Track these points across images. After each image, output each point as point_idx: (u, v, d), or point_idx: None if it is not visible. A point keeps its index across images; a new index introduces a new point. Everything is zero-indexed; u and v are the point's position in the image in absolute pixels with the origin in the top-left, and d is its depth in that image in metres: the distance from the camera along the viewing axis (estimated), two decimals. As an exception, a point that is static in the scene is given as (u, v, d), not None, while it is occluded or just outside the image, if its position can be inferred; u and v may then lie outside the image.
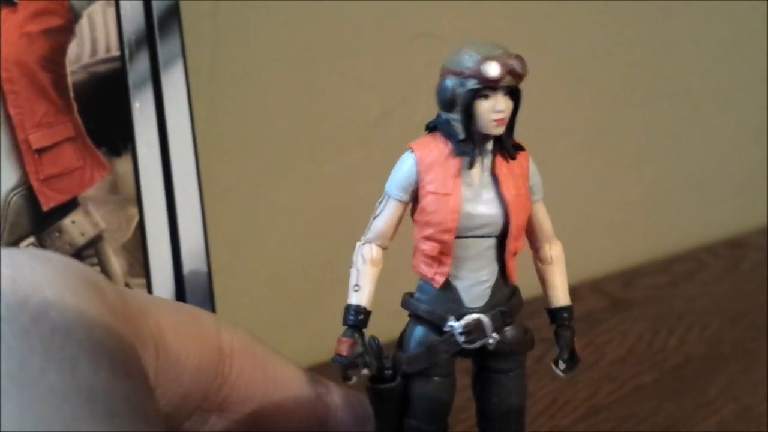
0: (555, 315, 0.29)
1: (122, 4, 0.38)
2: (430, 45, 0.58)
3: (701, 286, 0.68)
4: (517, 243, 0.27)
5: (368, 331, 0.28)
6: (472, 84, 0.26)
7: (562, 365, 0.28)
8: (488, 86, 0.26)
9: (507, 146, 0.27)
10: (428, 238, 0.27)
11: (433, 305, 0.27)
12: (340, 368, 0.27)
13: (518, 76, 0.26)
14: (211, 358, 0.24)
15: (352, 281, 0.28)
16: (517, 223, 0.27)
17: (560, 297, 0.29)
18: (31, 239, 0.36)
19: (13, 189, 0.35)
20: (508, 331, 0.28)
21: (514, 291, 0.28)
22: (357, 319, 0.28)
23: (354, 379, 0.27)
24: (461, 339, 0.27)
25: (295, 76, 0.54)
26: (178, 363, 0.23)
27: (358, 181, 0.56)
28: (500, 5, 0.61)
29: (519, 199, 0.27)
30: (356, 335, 0.27)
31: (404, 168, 0.27)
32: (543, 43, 0.65)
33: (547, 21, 0.65)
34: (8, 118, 0.35)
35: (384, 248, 0.28)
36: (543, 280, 0.29)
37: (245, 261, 0.53)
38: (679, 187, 0.77)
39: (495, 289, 0.27)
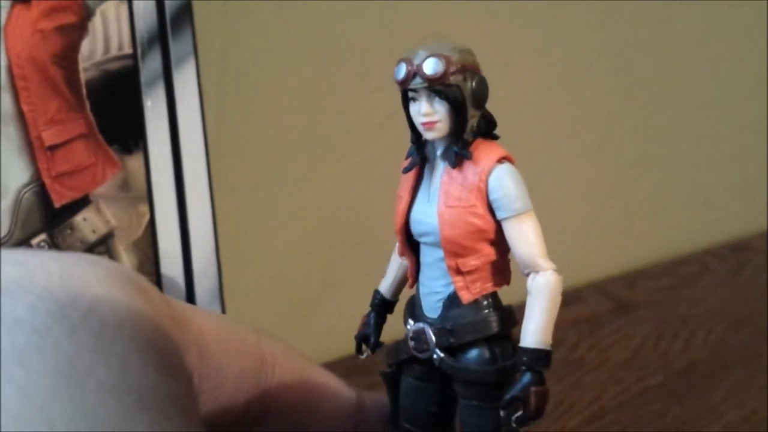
0: (518, 354, 0.25)
1: (135, 2, 0.38)
2: (438, 46, 0.58)
3: (705, 289, 0.68)
4: (460, 260, 0.25)
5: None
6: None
7: (501, 412, 0.25)
8: (405, 89, 0.25)
9: (448, 153, 0.25)
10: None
11: (410, 306, 0.28)
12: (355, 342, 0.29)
13: (427, 79, 0.24)
14: (253, 366, 0.24)
15: (386, 269, 0.29)
16: (446, 237, 0.25)
17: (526, 335, 0.24)
18: (43, 236, 0.36)
19: (25, 186, 0.35)
20: (461, 353, 0.26)
21: (478, 313, 0.25)
22: (373, 302, 0.29)
23: (363, 355, 0.29)
24: (411, 344, 0.27)
25: (303, 76, 0.54)
26: (220, 370, 0.23)
27: (364, 181, 0.56)
28: (508, 7, 0.61)
29: (453, 211, 0.25)
30: (370, 315, 0.29)
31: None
32: (548, 46, 0.65)
33: (551, 24, 0.65)
34: (21, 114, 0.35)
35: None
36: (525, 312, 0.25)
37: (252, 259, 0.53)
38: (683, 190, 0.77)
39: (447, 304, 0.26)
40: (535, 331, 0.24)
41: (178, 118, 0.39)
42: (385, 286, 0.29)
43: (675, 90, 0.75)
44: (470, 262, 0.25)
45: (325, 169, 0.56)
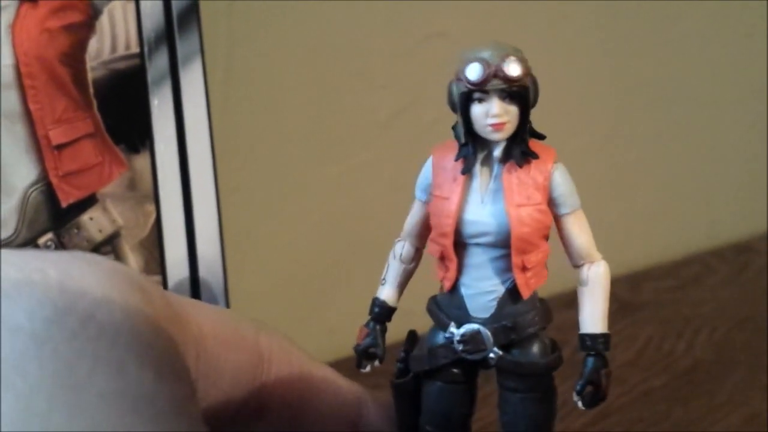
0: (579, 341, 0.26)
1: (142, 2, 0.38)
2: (442, 45, 0.58)
3: (709, 290, 0.68)
4: (525, 257, 0.26)
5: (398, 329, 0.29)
6: (462, 87, 0.25)
7: (575, 397, 0.26)
8: (475, 90, 0.25)
9: (514, 153, 0.26)
10: (433, 241, 0.27)
11: (443, 309, 0.27)
12: (356, 355, 0.28)
13: (509, 80, 0.25)
14: (250, 362, 0.24)
15: (383, 275, 0.28)
16: (518, 235, 0.25)
17: (586, 322, 0.26)
18: (50, 235, 0.36)
19: (32, 185, 0.36)
20: (518, 349, 0.26)
21: (533, 307, 0.26)
22: (373, 311, 0.28)
23: (367, 368, 0.28)
24: (459, 347, 0.26)
25: (308, 75, 0.54)
26: (217, 367, 0.23)
27: (368, 180, 0.56)
28: (512, 6, 0.61)
29: (523, 210, 0.25)
30: (372, 325, 0.28)
31: (423, 169, 0.27)
32: (551, 45, 0.65)
33: (555, 23, 0.65)
34: (28, 113, 0.35)
35: (417, 248, 0.28)
36: (579, 302, 0.27)
37: (256, 258, 0.53)
38: (686, 191, 0.77)
39: (502, 302, 0.26)
40: (598, 317, 0.26)
41: (185, 118, 0.39)
42: (386, 294, 0.28)
43: (677, 91, 0.75)
44: (532, 258, 0.26)
45: (329, 168, 0.56)
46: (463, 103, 0.25)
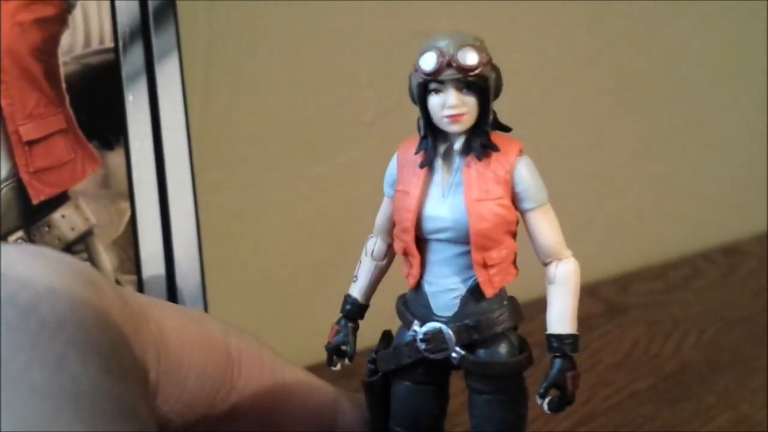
0: (546, 342, 0.25)
1: (117, -5, 0.37)
2: (428, 45, 0.57)
3: (697, 292, 0.68)
4: (487, 254, 0.25)
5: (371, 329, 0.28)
6: (418, 77, 0.24)
7: (539, 401, 0.25)
8: (431, 80, 0.24)
9: (474, 145, 0.25)
10: (396, 237, 0.26)
11: (410, 308, 0.26)
12: (327, 354, 0.28)
13: (464, 70, 0.24)
14: (218, 364, 0.24)
15: (355, 272, 0.28)
16: (477, 231, 0.24)
17: (553, 322, 0.25)
18: (20, 233, 0.35)
19: (2, 181, 0.35)
20: (483, 348, 0.25)
21: (500, 306, 0.26)
22: (345, 308, 0.28)
23: (338, 366, 0.28)
24: (422, 346, 0.25)
25: (291, 73, 0.53)
26: (181, 368, 0.22)
27: (353, 180, 0.56)
28: (497, 6, 0.61)
29: (483, 205, 0.24)
30: (343, 323, 0.28)
31: (390, 165, 0.26)
32: (539, 44, 0.64)
33: (543, 22, 0.64)
34: (-2, 108, 0.34)
35: (389, 244, 0.27)
36: (547, 301, 0.26)
37: (237, 259, 0.53)
38: (675, 193, 0.77)
39: (465, 300, 0.25)
40: (566, 317, 0.25)
41: (161, 114, 0.38)
42: (357, 291, 0.28)
43: (667, 93, 0.74)
44: (494, 255, 0.25)
45: (313, 167, 0.55)
46: (420, 94, 0.25)
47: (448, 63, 0.24)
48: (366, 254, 0.28)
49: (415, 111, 0.27)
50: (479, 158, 0.25)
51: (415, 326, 0.26)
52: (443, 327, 0.25)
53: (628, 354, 0.56)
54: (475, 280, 0.25)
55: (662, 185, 0.76)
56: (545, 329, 0.26)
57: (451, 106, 0.24)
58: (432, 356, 0.26)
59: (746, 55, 0.78)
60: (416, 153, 0.25)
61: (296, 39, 0.53)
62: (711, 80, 0.76)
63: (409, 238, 0.25)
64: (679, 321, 0.61)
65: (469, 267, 0.25)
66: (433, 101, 0.24)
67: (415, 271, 0.26)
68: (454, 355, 0.25)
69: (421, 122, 0.25)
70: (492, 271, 0.25)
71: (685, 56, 0.74)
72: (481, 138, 0.25)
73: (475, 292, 0.25)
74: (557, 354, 0.25)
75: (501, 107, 0.26)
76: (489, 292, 0.25)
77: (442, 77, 0.24)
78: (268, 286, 0.54)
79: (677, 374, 0.53)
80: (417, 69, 0.24)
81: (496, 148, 0.25)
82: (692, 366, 0.54)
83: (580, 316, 0.66)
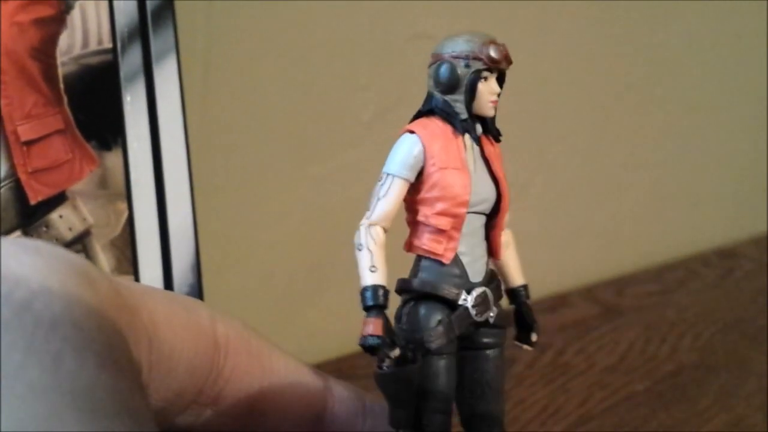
0: (516, 294, 0.29)
1: (115, -4, 0.37)
2: (425, 46, 0.57)
3: (693, 294, 0.68)
4: (503, 221, 0.28)
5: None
6: (478, 65, 0.27)
7: (535, 337, 0.29)
8: (490, 68, 0.27)
9: (492, 130, 0.28)
10: (441, 213, 0.27)
11: (442, 282, 0.27)
12: (377, 350, 0.25)
13: (510, 63, 0.27)
14: (206, 351, 0.24)
15: (366, 263, 0.27)
16: (507, 200, 0.28)
17: (517, 276, 0.30)
18: (18, 233, 0.35)
19: (0, 181, 0.35)
20: (496, 304, 0.28)
21: (492, 266, 0.29)
22: (381, 298, 0.26)
23: (388, 362, 0.26)
24: (473, 312, 0.27)
25: (289, 74, 0.53)
26: (171, 357, 0.22)
27: (351, 181, 0.56)
28: (495, 7, 0.61)
29: (504, 178, 0.28)
30: (383, 315, 0.26)
31: (408, 147, 0.27)
32: (537, 47, 0.64)
33: (542, 24, 0.64)
34: (-4, 108, 0.34)
35: (385, 231, 0.27)
36: (502, 265, 0.30)
37: (235, 259, 0.53)
38: (672, 196, 0.77)
39: (488, 264, 0.28)
40: (520, 271, 0.30)
41: (159, 114, 0.38)
42: (383, 279, 0.27)
43: (665, 94, 0.74)
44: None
45: (311, 168, 0.55)
46: (475, 80, 0.27)
47: (505, 55, 0.27)
48: (375, 243, 0.27)
49: (414, 111, 0.27)
50: (497, 140, 0.28)
51: (463, 295, 0.27)
52: (486, 290, 0.28)
53: (623, 356, 0.56)
54: (488, 245, 0.28)
55: (658, 188, 0.76)
56: (510, 285, 0.29)
57: (497, 93, 0.27)
58: (480, 319, 0.27)
59: (745, 59, 0.78)
60: (461, 133, 0.27)
61: (294, 40, 0.53)
62: (709, 84, 0.77)
63: (463, 211, 0.27)
64: (675, 323, 0.61)
65: (485, 235, 0.28)
66: (483, 87, 0.27)
67: (454, 244, 0.27)
68: (491, 313, 0.28)
69: (462, 106, 0.27)
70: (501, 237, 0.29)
71: (682, 59, 0.74)
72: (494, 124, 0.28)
73: (488, 256, 0.28)
74: (526, 299, 0.29)
75: (500, 109, 0.28)
76: (500, 255, 0.29)
77: (502, 66, 0.27)
78: (265, 287, 0.54)
79: (673, 376, 0.53)
80: (474, 57, 0.27)
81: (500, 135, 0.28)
82: (688, 368, 0.54)
83: (576, 318, 0.66)
